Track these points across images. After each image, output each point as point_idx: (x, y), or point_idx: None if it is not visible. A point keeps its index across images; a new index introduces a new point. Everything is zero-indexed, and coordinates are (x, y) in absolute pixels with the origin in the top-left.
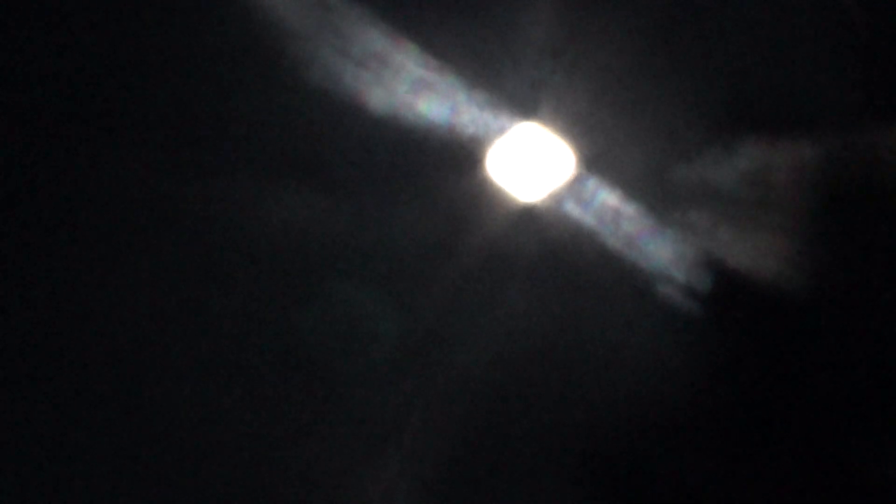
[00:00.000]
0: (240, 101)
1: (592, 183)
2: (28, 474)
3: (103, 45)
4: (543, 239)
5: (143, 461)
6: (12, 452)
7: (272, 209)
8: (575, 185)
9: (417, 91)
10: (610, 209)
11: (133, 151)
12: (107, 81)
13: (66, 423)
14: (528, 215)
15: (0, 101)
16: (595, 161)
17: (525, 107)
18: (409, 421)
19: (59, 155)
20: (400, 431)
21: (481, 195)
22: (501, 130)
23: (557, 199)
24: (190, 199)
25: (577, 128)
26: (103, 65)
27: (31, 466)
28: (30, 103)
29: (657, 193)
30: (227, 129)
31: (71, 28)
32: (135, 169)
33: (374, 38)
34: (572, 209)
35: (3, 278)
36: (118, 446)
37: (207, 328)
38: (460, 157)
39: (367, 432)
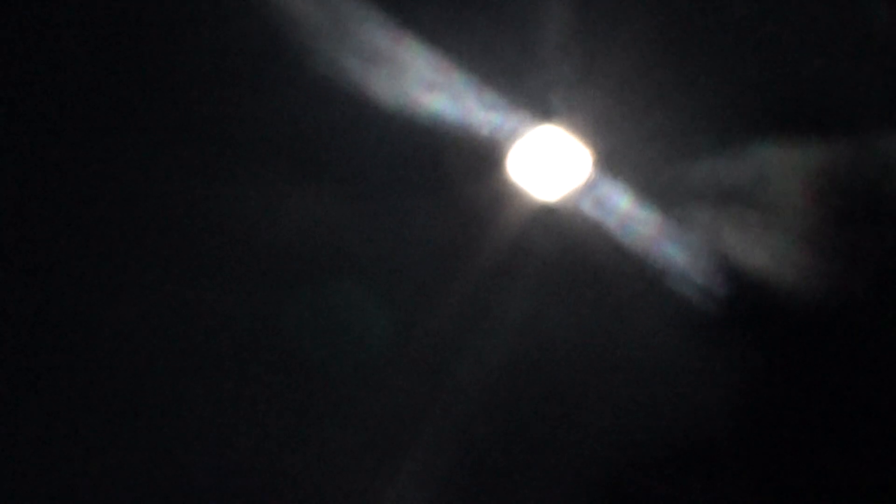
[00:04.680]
0: (258, 104)
1: (609, 183)
2: (29, 472)
3: (116, 48)
4: (561, 238)
5: (153, 460)
6: (13, 451)
7: (290, 210)
8: (592, 186)
9: (434, 93)
10: (626, 209)
11: (150, 153)
12: (120, 84)
13: (70, 422)
14: (546, 215)
15: (10, 102)
16: (611, 161)
17: (542, 108)
18: (427, 419)
19: (75, 156)
20: (417, 430)
21: (499, 195)
22: (519, 131)
23: (575, 199)
24: (205, 201)
25: (593, 128)
26: (116, 68)
27: (32, 463)
28: (39, 105)
29: (673, 194)
30: (243, 132)
31: (79, 31)
32: (150, 169)
33: (392, 41)
34: (589, 209)
35: (10, 276)
36: (125, 446)
37: (220, 328)
38: (478, 157)
39: (384, 432)
